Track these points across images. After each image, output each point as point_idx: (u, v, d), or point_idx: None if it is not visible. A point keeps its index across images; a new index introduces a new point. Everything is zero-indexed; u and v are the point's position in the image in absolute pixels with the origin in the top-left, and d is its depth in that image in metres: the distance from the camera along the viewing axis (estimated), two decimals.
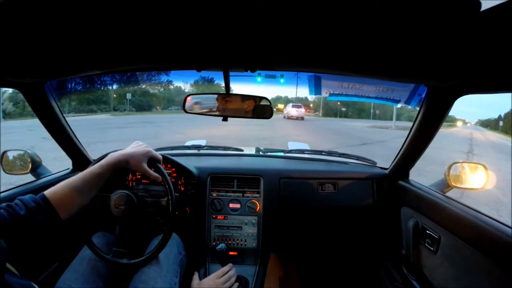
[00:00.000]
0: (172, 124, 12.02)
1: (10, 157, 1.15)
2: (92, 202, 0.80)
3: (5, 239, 0.56)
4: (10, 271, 0.58)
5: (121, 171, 0.84)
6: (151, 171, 0.89)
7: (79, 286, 0.81)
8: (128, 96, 17.67)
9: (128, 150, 0.87)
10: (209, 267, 1.23)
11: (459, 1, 0.41)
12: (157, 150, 1.51)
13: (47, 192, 0.71)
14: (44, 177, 1.16)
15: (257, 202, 1.28)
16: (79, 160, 1.27)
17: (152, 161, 0.91)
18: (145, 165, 0.88)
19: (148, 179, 1.20)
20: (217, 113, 1.00)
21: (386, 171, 1.38)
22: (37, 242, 0.68)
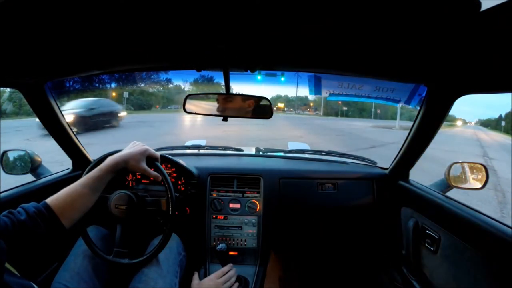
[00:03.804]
0: (167, 124, 11.60)
1: (10, 157, 1.16)
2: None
3: (7, 244, 0.56)
4: (9, 271, 0.57)
5: (121, 172, 0.84)
6: (151, 170, 0.89)
7: (75, 286, 0.80)
8: (125, 94, 17.49)
9: (125, 151, 0.88)
10: (209, 267, 1.23)
11: (459, 1, 0.41)
12: (157, 150, 1.51)
13: (49, 200, 0.71)
14: (44, 177, 1.16)
15: (257, 202, 1.28)
16: (79, 160, 1.27)
17: (150, 160, 0.91)
18: (144, 164, 0.88)
19: (148, 179, 1.20)
20: (217, 113, 1.00)
21: (386, 171, 1.38)
22: (38, 246, 0.68)
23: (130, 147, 0.91)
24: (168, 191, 0.90)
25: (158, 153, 0.94)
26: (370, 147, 8.03)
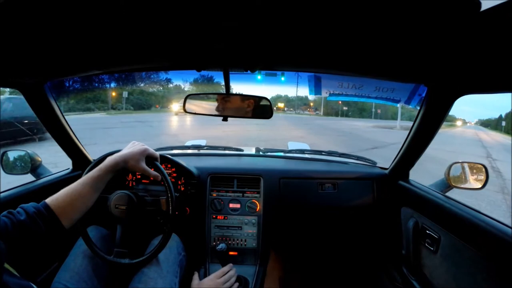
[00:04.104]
0: (168, 124, 11.36)
1: (11, 158, 1.16)
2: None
3: (7, 244, 0.56)
4: (9, 272, 0.57)
5: (121, 172, 0.84)
6: (150, 170, 0.89)
7: (74, 286, 0.80)
8: (125, 94, 17.42)
9: (125, 151, 0.88)
10: (209, 267, 1.23)
11: (459, 1, 0.41)
12: (157, 150, 1.51)
13: (48, 200, 0.71)
14: (44, 177, 1.16)
15: (257, 202, 1.29)
16: (79, 160, 1.27)
17: (150, 159, 0.91)
18: (144, 164, 0.88)
19: (148, 179, 1.21)
20: (217, 113, 1.00)
21: (386, 171, 1.38)
22: (38, 246, 0.68)
23: (130, 147, 0.91)
24: (168, 191, 0.91)
25: (157, 153, 0.94)
26: (372, 148, 7.84)
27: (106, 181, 0.81)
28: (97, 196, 0.79)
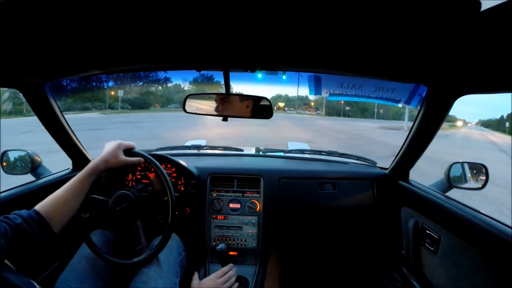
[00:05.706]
0: (160, 125, 10.85)
1: (11, 158, 1.16)
2: (92, 203, 0.81)
3: (8, 246, 0.57)
4: (10, 269, 0.58)
5: (105, 173, 0.88)
6: (132, 158, 0.92)
7: (78, 286, 0.81)
8: (120, 93, 17.33)
9: (103, 152, 0.91)
10: (209, 267, 1.23)
11: (459, 1, 0.41)
12: (157, 150, 1.52)
13: (38, 207, 0.74)
14: (44, 177, 1.16)
15: (257, 202, 1.29)
16: (79, 160, 1.27)
17: (127, 151, 0.93)
18: (123, 156, 0.90)
19: (148, 179, 1.21)
20: (217, 113, 1.00)
21: (386, 171, 1.38)
22: (36, 249, 0.69)
23: (106, 147, 0.94)
24: (168, 191, 0.91)
25: (132, 143, 0.96)
26: (392, 156, 6.64)
27: (88, 184, 0.84)
28: (81, 199, 0.82)
